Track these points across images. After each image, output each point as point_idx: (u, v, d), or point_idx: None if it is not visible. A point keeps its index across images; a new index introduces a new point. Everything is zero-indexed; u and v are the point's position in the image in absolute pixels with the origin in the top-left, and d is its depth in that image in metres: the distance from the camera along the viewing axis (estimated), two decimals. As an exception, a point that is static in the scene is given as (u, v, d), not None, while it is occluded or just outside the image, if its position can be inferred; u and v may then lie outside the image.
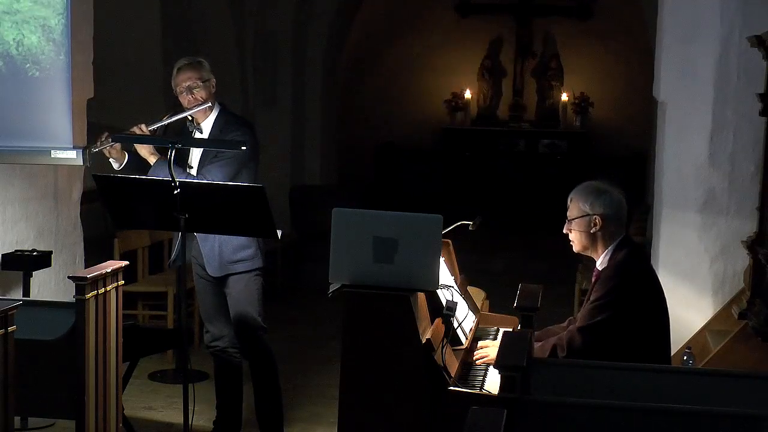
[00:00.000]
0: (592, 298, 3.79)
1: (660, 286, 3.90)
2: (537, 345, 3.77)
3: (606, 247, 3.86)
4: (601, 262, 3.87)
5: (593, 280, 3.92)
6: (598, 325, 3.69)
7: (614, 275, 3.76)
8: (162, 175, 4.23)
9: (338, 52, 11.26)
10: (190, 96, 4.54)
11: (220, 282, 4.65)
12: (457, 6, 12.57)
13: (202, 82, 4.54)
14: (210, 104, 4.57)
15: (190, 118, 4.58)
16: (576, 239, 3.90)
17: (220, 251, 4.56)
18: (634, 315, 3.72)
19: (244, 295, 4.61)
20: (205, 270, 4.65)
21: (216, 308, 4.72)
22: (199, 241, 4.61)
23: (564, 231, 3.93)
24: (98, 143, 4.49)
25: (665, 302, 3.87)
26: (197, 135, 4.59)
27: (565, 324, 4.12)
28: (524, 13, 12.42)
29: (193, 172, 4.56)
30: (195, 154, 4.61)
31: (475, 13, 12.54)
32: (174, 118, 4.54)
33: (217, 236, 4.53)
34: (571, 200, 3.90)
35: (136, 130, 4.42)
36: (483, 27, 12.55)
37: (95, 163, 4.77)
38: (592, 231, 3.83)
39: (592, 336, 3.69)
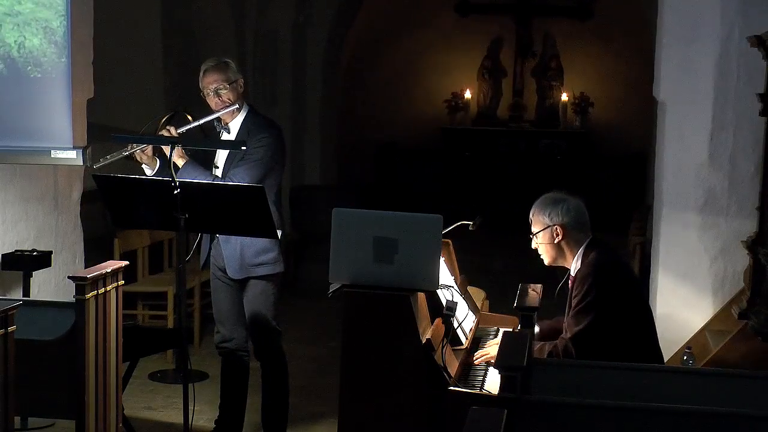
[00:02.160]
0: (574, 303, 3.82)
1: (635, 276, 3.92)
2: (535, 348, 3.77)
3: (574, 254, 3.92)
4: (573, 267, 3.92)
5: (570, 285, 3.94)
6: (588, 328, 3.72)
7: (589, 273, 3.81)
8: (191, 177, 4.23)
9: (338, 52, 11.26)
10: (217, 99, 4.52)
11: (239, 285, 4.63)
12: (457, 6, 12.57)
13: (229, 84, 4.52)
14: (237, 106, 4.56)
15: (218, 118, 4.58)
16: (544, 252, 3.97)
17: (241, 253, 4.53)
18: (616, 308, 3.77)
19: (260, 299, 4.60)
20: (222, 271, 4.63)
21: (229, 310, 4.70)
22: (221, 243, 4.58)
23: (533, 247, 3.97)
24: (123, 152, 4.42)
25: (643, 294, 3.89)
26: (224, 136, 4.58)
27: (553, 322, 4.14)
28: (524, 13, 12.42)
29: (218, 172, 4.56)
30: (221, 155, 4.60)
31: (475, 13, 12.53)
32: (202, 121, 4.52)
33: (239, 238, 4.51)
34: (532, 215, 3.98)
35: (164, 132, 4.39)
36: (483, 27, 12.55)
37: (125, 166, 4.73)
38: (555, 241, 3.89)
39: (585, 341, 3.71)
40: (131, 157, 4.44)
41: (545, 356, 3.74)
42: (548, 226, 3.89)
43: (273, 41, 10.09)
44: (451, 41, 12.57)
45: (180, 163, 4.39)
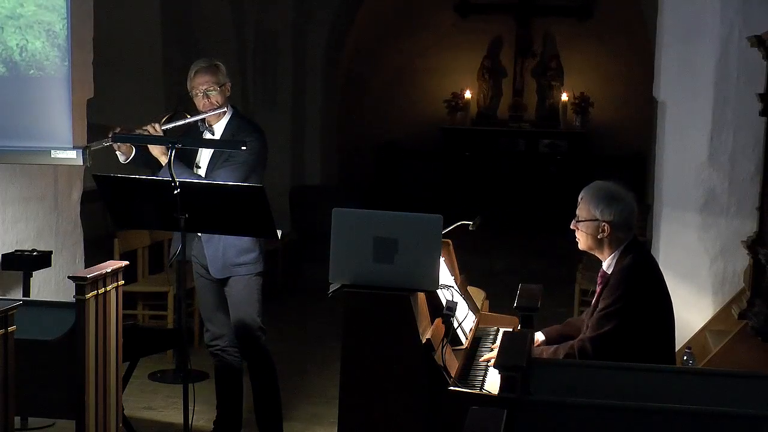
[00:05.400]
0: (600, 306, 3.76)
1: (666, 288, 3.88)
2: (549, 351, 3.75)
3: (612, 252, 3.83)
4: (607, 265, 3.85)
5: (599, 281, 3.90)
6: (608, 334, 3.67)
7: (621, 281, 3.72)
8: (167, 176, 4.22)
9: (338, 52, 11.26)
10: (206, 100, 4.54)
11: (221, 282, 4.65)
12: (457, 6, 12.58)
13: (219, 86, 4.54)
14: (225, 109, 4.58)
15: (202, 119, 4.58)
16: (582, 239, 3.88)
17: (224, 254, 4.56)
18: (641, 322, 3.69)
19: (244, 297, 4.61)
20: (205, 269, 4.65)
21: (216, 307, 4.72)
22: (204, 243, 4.60)
23: (571, 227, 3.91)
24: (104, 141, 4.47)
25: (671, 305, 3.85)
26: (207, 136, 4.59)
27: (583, 317, 4.08)
28: (524, 13, 12.42)
29: (201, 172, 4.56)
30: (204, 155, 4.61)
31: (475, 13, 12.54)
32: (188, 121, 4.53)
33: (222, 239, 4.53)
34: (581, 199, 3.86)
35: (149, 129, 4.40)
36: (483, 27, 12.55)
37: (97, 161, 4.77)
38: (599, 237, 3.82)
39: (603, 345, 3.67)
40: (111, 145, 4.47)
41: (562, 357, 3.70)
42: (596, 220, 3.80)
43: (273, 41, 10.09)
44: (451, 41, 12.58)
45: (163, 160, 4.39)
